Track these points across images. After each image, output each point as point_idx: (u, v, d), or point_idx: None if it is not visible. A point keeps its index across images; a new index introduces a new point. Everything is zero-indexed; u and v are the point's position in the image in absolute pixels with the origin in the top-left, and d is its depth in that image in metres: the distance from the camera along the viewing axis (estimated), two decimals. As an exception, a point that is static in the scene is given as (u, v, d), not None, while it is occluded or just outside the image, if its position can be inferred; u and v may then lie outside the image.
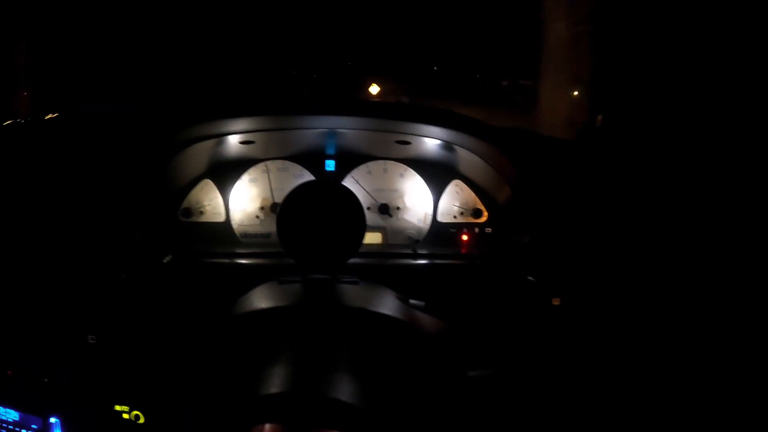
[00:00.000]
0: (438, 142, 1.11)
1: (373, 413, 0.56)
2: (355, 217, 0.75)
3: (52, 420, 0.80)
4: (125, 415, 0.77)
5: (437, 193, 1.19)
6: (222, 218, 1.16)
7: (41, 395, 0.81)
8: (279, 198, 1.16)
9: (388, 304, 0.68)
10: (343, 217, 0.75)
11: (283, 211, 0.75)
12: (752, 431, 0.72)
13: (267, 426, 0.51)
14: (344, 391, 0.55)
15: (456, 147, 1.11)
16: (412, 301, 0.78)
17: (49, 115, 1.07)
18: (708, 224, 0.86)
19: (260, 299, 0.68)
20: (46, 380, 0.81)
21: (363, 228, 0.76)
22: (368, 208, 1.18)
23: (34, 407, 0.81)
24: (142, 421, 0.77)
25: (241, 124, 1.05)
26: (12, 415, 0.82)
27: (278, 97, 1.13)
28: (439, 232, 1.19)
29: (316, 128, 1.10)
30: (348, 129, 1.11)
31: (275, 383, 0.55)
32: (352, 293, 0.70)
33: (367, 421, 0.53)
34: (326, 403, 0.53)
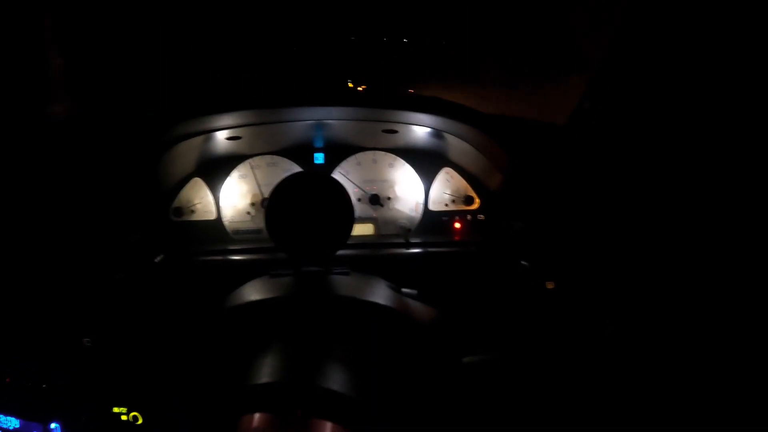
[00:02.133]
0: (427, 129, 1.10)
1: (371, 402, 0.57)
2: (343, 208, 0.75)
3: (53, 426, 0.80)
4: (123, 417, 0.77)
5: (428, 182, 1.19)
6: (213, 216, 1.16)
7: (41, 401, 0.81)
8: (269, 193, 1.16)
9: (379, 293, 0.69)
10: (331, 208, 0.74)
11: (271, 204, 0.75)
12: (748, 419, 0.73)
13: (257, 415, 0.51)
14: (335, 380, 0.55)
15: (445, 134, 1.10)
16: (404, 290, 0.78)
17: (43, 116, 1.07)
18: (700, 208, 0.85)
19: (251, 292, 0.68)
20: (44, 386, 0.81)
21: (351, 219, 0.76)
22: (359, 200, 1.18)
23: (34, 414, 0.81)
24: (140, 421, 0.77)
25: (227, 119, 1.04)
26: (13, 422, 0.82)
27: (263, 90, 1.12)
28: (432, 221, 1.19)
29: (302, 120, 1.10)
30: (334, 120, 1.10)
31: (266, 373, 0.56)
32: (343, 283, 0.71)
33: (358, 409, 0.54)
34: (316, 392, 0.53)
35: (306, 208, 0.74)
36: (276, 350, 0.60)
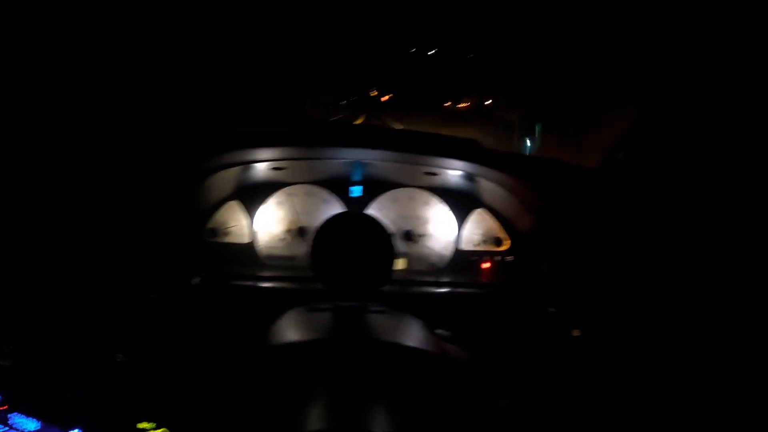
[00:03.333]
0: (461, 172, 1.13)
1: None
2: (386, 250, 0.77)
3: (73, 432, 0.80)
4: (149, 434, 0.77)
5: (461, 221, 1.20)
6: (247, 240, 1.17)
7: (64, 407, 0.81)
8: (305, 222, 1.18)
9: (417, 337, 0.69)
10: (375, 248, 0.77)
11: (318, 239, 0.77)
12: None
13: None
14: (377, 424, 0.55)
15: (479, 177, 1.12)
16: (438, 331, 0.78)
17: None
18: (733, 258, 0.85)
19: (292, 329, 0.69)
20: (70, 393, 0.81)
21: (392, 260, 0.78)
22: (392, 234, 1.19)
23: (55, 418, 0.81)
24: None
25: (269, 153, 1.07)
26: (32, 424, 0.82)
27: (308, 126, 1.16)
28: (462, 260, 1.20)
29: (343, 159, 1.13)
30: (375, 161, 1.13)
31: (311, 419, 0.55)
32: (383, 324, 0.71)
33: None
34: None
35: (351, 246, 0.76)
36: (317, 393, 0.60)
